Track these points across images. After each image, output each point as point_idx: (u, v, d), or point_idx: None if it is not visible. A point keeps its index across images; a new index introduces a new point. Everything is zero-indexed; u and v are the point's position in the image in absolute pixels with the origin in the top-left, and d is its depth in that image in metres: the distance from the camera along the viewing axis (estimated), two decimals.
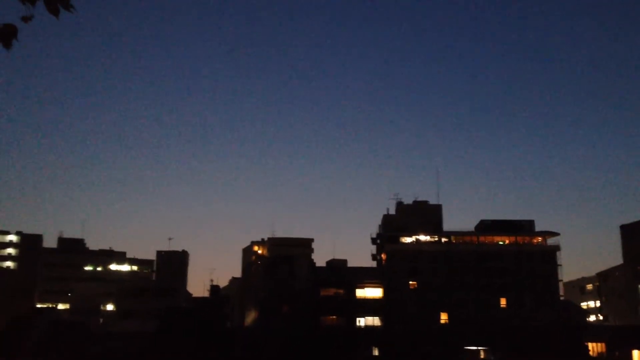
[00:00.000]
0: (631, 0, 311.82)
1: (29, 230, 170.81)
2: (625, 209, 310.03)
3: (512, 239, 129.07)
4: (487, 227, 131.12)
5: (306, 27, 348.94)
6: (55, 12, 5.63)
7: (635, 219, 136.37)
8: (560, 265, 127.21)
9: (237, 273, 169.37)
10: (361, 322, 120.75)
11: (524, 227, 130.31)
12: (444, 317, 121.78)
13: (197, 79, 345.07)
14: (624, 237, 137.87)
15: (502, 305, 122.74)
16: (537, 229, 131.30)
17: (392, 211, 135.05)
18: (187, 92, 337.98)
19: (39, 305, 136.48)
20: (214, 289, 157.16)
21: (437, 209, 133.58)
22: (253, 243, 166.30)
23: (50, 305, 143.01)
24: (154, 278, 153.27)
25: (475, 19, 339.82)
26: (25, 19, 5.68)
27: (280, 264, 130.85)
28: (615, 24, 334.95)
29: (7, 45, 5.97)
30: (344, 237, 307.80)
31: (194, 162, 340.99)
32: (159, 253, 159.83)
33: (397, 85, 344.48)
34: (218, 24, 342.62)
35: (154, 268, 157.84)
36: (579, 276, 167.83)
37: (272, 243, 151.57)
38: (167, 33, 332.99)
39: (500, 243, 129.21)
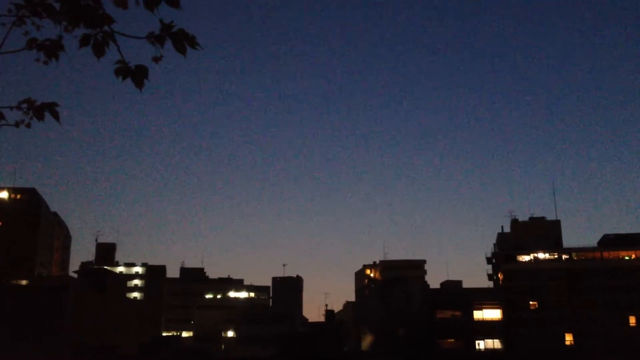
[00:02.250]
0: None
1: (153, 261, 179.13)
2: None
3: (639, 253, 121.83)
4: (611, 241, 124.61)
5: (385, 34, 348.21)
6: (182, 51, 6.09)
7: None
8: None
9: (351, 297, 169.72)
10: (481, 345, 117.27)
11: None
12: (568, 338, 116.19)
13: (296, 109, 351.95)
14: None
15: (631, 324, 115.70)
16: None
17: (507, 229, 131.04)
18: (293, 125, 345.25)
19: (164, 334, 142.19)
20: (329, 313, 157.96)
21: (556, 225, 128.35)
22: (365, 266, 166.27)
23: (175, 333, 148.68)
24: (270, 304, 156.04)
25: (583, 29, 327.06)
26: (156, 59, 6.11)
27: (394, 286, 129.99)
28: None
29: (140, 85, 6.35)
30: (458, 258, 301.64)
31: (306, 189, 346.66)
32: (274, 279, 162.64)
33: (508, 99, 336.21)
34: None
35: (270, 294, 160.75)
36: None
37: (385, 266, 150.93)
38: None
39: (627, 258, 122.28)
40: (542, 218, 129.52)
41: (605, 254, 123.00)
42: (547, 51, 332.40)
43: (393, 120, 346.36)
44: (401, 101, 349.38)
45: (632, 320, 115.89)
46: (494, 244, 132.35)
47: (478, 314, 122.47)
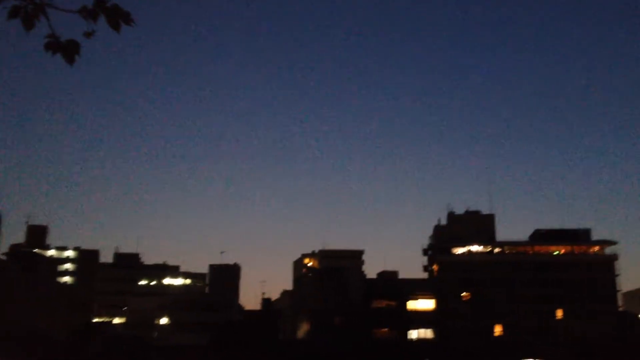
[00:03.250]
0: None
1: (86, 245, 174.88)
2: None
3: (568, 248, 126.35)
4: (542, 236, 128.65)
5: (343, 40, 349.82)
6: (116, 27, 5.73)
7: None
8: (619, 274, 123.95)
9: (289, 286, 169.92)
10: (414, 334, 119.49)
11: (580, 236, 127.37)
12: (498, 329, 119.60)
13: (240, 97, 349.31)
14: None
15: (558, 317, 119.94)
16: (594, 237, 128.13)
17: (444, 222, 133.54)
18: (234, 111, 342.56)
19: (95, 320, 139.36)
20: (266, 301, 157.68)
21: (490, 218, 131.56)
22: (304, 255, 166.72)
23: (107, 320, 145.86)
24: (207, 291, 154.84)
25: (526, 28, 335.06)
26: (88, 34, 5.78)
27: (331, 276, 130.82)
28: None
29: (70, 61, 6.07)
30: (395, 249, 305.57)
31: (245, 176, 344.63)
32: (211, 267, 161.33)
33: (446, 94, 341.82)
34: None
35: (207, 281, 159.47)
36: (638, 286, 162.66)
37: (323, 255, 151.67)
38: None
39: (556, 253, 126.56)
40: (477, 212, 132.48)
41: (536, 248, 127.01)
42: (480, 45, 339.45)
43: (332, 109, 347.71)
44: (340, 91, 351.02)
45: (559, 313, 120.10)
46: (431, 236, 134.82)
47: (412, 304, 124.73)
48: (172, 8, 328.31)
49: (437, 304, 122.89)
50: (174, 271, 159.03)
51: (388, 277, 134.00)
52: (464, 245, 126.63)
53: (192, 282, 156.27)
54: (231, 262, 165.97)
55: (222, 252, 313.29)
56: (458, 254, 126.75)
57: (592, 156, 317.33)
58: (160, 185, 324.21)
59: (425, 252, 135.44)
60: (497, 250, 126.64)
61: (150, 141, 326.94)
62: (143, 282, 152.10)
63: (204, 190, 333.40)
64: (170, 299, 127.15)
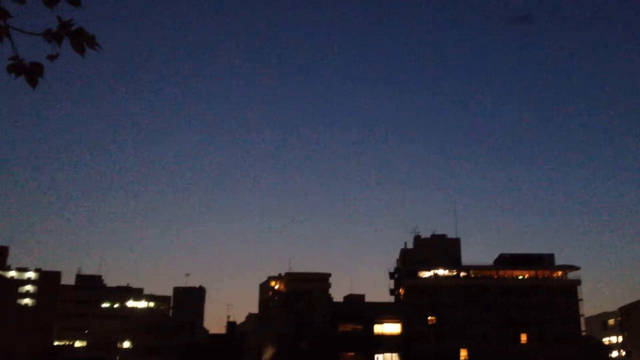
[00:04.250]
0: None
1: (47, 267, 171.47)
2: None
3: (532, 273, 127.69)
4: (506, 261, 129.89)
5: (316, 66, 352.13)
6: (81, 50, 5.71)
7: None
8: (582, 299, 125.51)
9: (254, 309, 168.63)
10: (379, 358, 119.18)
11: (544, 261, 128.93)
12: (463, 353, 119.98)
13: (210, 117, 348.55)
14: None
15: (522, 341, 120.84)
16: (558, 262, 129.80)
17: (410, 245, 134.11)
18: (197, 133, 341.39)
19: (56, 343, 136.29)
20: (231, 325, 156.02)
21: (456, 242, 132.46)
22: (270, 278, 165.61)
23: (68, 343, 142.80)
24: (171, 314, 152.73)
25: (490, 55, 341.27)
26: (52, 57, 5.75)
27: (298, 299, 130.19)
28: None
29: (33, 84, 6.03)
30: (362, 272, 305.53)
31: (210, 198, 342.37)
32: (176, 289, 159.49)
33: (414, 118, 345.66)
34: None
35: (171, 304, 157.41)
36: (600, 311, 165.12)
37: (290, 278, 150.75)
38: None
39: (520, 277, 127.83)
40: (444, 235, 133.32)
41: (501, 273, 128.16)
42: (444, 69, 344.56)
43: (298, 133, 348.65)
44: (309, 114, 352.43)
45: (524, 337, 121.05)
46: (397, 260, 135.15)
47: (378, 328, 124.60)
48: (145, 30, 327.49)
49: (403, 327, 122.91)
50: (138, 294, 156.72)
51: (354, 301, 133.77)
52: (430, 269, 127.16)
53: (156, 304, 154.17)
54: (196, 284, 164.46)
55: (187, 275, 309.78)
56: (424, 278, 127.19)
57: (556, 182, 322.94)
58: (123, 206, 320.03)
59: (391, 275, 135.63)
60: (462, 274, 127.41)
61: (113, 162, 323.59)
62: (106, 305, 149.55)
63: (169, 212, 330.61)
64: (133, 322, 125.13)
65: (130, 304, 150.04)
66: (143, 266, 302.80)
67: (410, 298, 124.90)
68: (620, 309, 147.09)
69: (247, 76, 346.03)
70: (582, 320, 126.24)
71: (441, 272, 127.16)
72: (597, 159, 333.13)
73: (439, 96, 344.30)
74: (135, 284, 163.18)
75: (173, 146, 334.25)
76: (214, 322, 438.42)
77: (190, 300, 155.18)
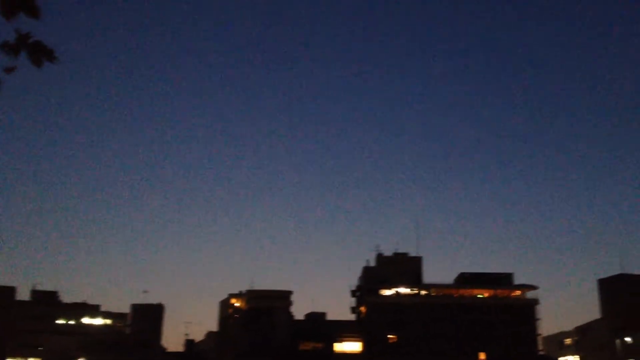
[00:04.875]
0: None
1: (1, 282, 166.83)
2: (603, 263, 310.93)
3: (492, 292, 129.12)
4: (466, 279, 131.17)
5: (276, 84, 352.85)
6: (38, 64, 5.57)
7: (613, 273, 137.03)
8: (539, 319, 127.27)
9: (214, 327, 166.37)
10: None
11: (503, 281, 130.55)
12: None
13: (167, 133, 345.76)
14: (601, 291, 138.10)
15: (481, 359, 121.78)
16: (516, 282, 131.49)
17: (373, 263, 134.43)
18: (158, 147, 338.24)
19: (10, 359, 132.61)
20: (189, 343, 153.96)
21: (417, 261, 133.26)
22: (230, 296, 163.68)
23: (22, 359, 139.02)
24: (128, 332, 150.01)
25: (451, 76, 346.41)
26: (8, 70, 5.60)
27: (259, 317, 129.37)
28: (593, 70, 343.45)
29: None
30: (324, 290, 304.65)
31: (170, 213, 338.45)
32: (133, 306, 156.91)
33: (377, 136, 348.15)
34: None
35: (129, 321, 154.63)
36: (557, 330, 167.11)
37: (250, 296, 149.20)
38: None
39: (480, 296, 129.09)
40: (405, 254, 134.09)
41: (461, 291, 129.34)
42: (407, 98, 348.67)
43: (259, 148, 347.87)
44: (269, 130, 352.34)
45: (482, 356, 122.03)
46: (359, 277, 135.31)
47: (339, 347, 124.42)
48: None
49: (364, 345, 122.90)
50: (94, 310, 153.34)
51: (316, 319, 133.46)
52: (391, 287, 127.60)
53: (113, 321, 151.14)
54: (154, 301, 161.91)
55: (145, 292, 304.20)
56: (386, 296, 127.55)
57: (515, 202, 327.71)
58: (80, 221, 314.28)
59: (353, 293, 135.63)
60: (423, 292, 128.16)
61: (68, 176, 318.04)
62: (61, 321, 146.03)
63: (127, 227, 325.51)
64: (89, 339, 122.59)
65: (87, 320, 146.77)
66: (100, 282, 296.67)
67: (371, 316, 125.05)
68: (577, 328, 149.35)
69: (189, 89, 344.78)
70: (539, 339, 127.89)
71: (403, 290, 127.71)
72: (554, 180, 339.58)
73: (400, 115, 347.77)
74: (92, 300, 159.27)
75: (130, 161, 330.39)
76: (173, 340, 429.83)
77: (148, 317, 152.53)
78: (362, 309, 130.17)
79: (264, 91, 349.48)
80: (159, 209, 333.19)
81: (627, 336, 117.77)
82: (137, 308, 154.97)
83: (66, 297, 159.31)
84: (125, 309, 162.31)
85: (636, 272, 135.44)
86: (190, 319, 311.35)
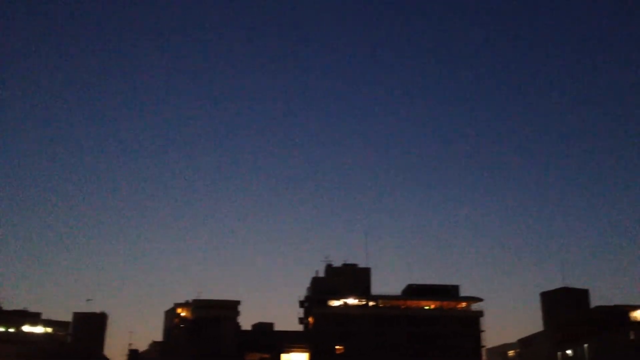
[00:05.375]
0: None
1: None
2: (546, 276, 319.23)
3: (438, 303, 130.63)
4: (414, 291, 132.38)
5: (226, 88, 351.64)
6: None
7: (555, 287, 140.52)
8: (484, 330, 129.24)
9: (159, 336, 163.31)
10: None
11: (450, 292, 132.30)
12: None
13: (110, 141, 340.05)
14: (544, 304, 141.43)
15: None
16: (462, 294, 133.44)
17: (322, 274, 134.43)
18: (106, 154, 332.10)
19: None
20: (133, 353, 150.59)
21: (366, 272, 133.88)
22: (176, 305, 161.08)
23: None
24: (70, 341, 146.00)
25: (405, 86, 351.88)
26: None
27: (205, 327, 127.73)
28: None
29: None
30: (273, 300, 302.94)
31: (115, 220, 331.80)
32: (76, 315, 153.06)
33: (326, 147, 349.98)
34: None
35: (70, 330, 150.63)
36: (501, 342, 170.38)
37: (197, 305, 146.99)
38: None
39: (427, 307, 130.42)
40: (355, 265, 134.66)
41: (409, 303, 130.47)
42: (358, 112, 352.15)
43: (209, 156, 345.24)
44: (218, 141, 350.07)
45: None
46: (308, 288, 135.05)
47: (286, 357, 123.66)
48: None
49: (311, 356, 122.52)
50: (35, 318, 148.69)
51: (263, 329, 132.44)
52: (340, 298, 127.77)
53: (54, 330, 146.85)
54: (98, 310, 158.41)
55: (88, 300, 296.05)
56: (334, 307, 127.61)
57: (462, 216, 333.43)
58: (21, 227, 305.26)
59: (301, 303, 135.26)
60: (372, 303, 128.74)
61: (7, 184, 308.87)
62: (1, 329, 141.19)
63: (70, 233, 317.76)
64: (30, 348, 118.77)
65: (27, 328, 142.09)
66: (42, 289, 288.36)
67: (319, 327, 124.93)
68: (520, 340, 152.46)
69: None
70: (483, 350, 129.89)
71: (351, 301, 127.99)
72: (499, 197, 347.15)
73: (350, 129, 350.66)
74: (32, 308, 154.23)
75: (69, 168, 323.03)
76: (116, 349, 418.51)
77: (90, 326, 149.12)
78: (310, 319, 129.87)
79: (209, 100, 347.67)
80: (103, 216, 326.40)
81: (568, 349, 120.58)
82: (79, 316, 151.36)
83: (6, 305, 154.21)
84: (68, 317, 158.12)
85: (577, 285, 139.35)
86: (134, 329, 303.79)
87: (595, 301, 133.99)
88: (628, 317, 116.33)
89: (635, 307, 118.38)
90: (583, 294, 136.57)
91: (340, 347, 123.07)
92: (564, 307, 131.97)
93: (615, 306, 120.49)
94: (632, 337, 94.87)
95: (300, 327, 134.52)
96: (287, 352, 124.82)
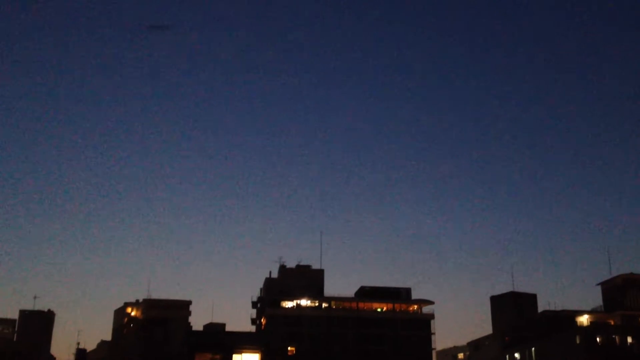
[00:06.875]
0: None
1: None
2: (496, 280, 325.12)
3: (390, 305, 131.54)
4: (366, 293, 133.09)
5: (190, 92, 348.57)
6: None
7: (504, 291, 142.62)
8: (434, 333, 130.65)
9: (107, 336, 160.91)
10: None
11: (402, 295, 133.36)
12: None
13: (77, 140, 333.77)
14: (493, 308, 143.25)
15: None
16: (414, 297, 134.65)
17: (276, 274, 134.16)
18: (59, 152, 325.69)
19: None
20: (81, 352, 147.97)
21: (319, 273, 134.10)
22: (126, 304, 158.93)
23: None
24: (15, 339, 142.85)
25: (371, 89, 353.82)
26: None
27: (155, 326, 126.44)
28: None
29: None
30: (225, 300, 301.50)
31: (63, 216, 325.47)
32: (22, 312, 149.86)
33: (282, 147, 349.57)
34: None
35: (16, 328, 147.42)
36: (451, 345, 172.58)
37: (147, 305, 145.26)
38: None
39: (379, 310, 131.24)
40: (308, 266, 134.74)
41: (361, 305, 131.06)
42: (317, 113, 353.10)
43: (162, 157, 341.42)
44: (168, 141, 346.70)
45: None
46: (261, 289, 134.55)
47: (237, 358, 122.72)
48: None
49: (263, 357, 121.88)
50: None
51: (215, 329, 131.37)
52: (293, 299, 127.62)
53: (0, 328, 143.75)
54: (45, 308, 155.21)
55: (35, 297, 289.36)
56: (286, 308, 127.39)
57: (415, 220, 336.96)
58: None
59: (254, 304, 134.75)
60: (324, 305, 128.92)
61: None
62: None
63: (17, 230, 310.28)
64: None
65: None
66: None
67: (271, 328, 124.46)
68: (469, 343, 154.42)
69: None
70: (434, 353, 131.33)
71: (304, 302, 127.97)
72: (452, 202, 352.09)
73: (304, 130, 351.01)
74: None
75: (17, 166, 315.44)
76: (63, 348, 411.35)
77: (37, 324, 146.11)
78: (263, 320, 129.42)
79: (173, 101, 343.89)
80: (51, 213, 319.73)
81: (515, 352, 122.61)
82: (25, 314, 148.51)
83: None
84: (13, 314, 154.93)
85: (526, 290, 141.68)
86: (82, 327, 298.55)
87: (543, 306, 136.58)
88: (574, 322, 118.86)
89: (581, 312, 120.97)
90: (531, 298, 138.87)
91: (292, 348, 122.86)
92: (512, 311, 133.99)
93: (562, 311, 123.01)
94: (577, 341, 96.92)
95: (252, 328, 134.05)
96: (239, 352, 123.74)
